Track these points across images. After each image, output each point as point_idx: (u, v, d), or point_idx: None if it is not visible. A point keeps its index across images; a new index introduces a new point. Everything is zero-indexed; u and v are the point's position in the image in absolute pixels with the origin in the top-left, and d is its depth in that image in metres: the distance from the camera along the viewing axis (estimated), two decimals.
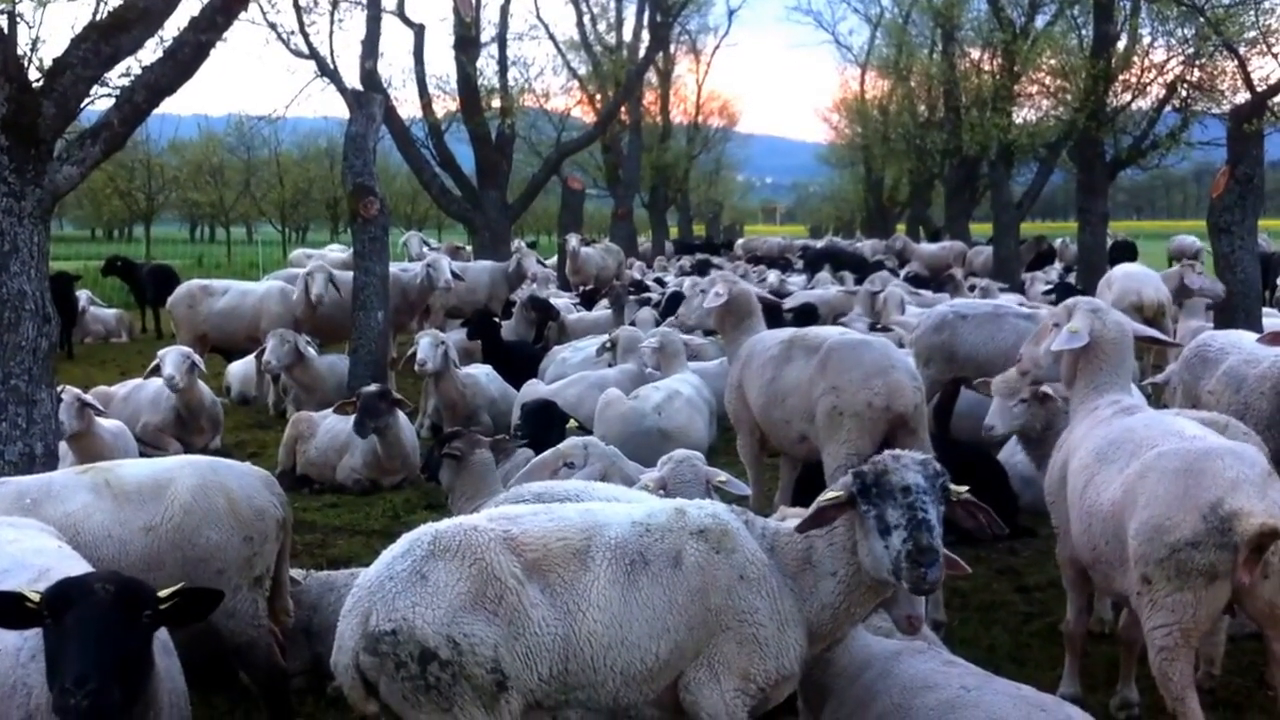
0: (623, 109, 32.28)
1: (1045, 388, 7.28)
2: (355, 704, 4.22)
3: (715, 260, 31.09)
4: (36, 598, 3.67)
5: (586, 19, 37.27)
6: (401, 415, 10.95)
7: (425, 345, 12.22)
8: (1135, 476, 5.03)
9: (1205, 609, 4.77)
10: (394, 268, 15.15)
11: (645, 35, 34.18)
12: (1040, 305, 13.50)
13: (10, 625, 3.72)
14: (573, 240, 25.24)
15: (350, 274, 14.25)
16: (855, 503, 4.29)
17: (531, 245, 31.94)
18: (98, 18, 7.30)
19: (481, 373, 13.16)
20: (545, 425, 8.57)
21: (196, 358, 11.69)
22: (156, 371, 11.32)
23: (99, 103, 7.77)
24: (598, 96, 35.00)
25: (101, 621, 3.61)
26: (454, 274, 16.13)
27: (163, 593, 3.83)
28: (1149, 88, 22.22)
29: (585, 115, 36.99)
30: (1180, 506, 4.74)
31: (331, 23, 23.08)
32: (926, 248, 33.20)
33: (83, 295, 23.43)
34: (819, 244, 40.25)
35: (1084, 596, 5.99)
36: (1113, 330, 5.92)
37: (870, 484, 4.24)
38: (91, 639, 3.57)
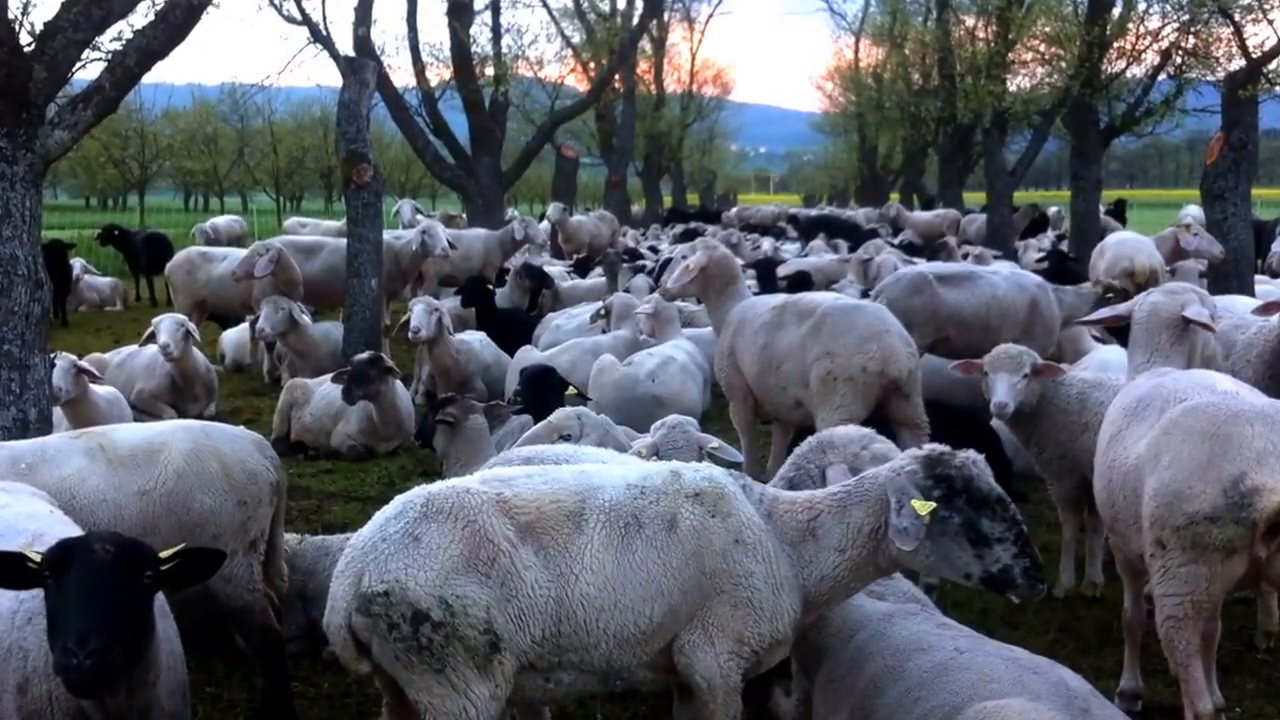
0: (616, 77, 32.12)
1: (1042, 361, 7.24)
2: (348, 664, 4.22)
3: (708, 228, 31.01)
4: (38, 558, 3.64)
5: None
6: (396, 382, 10.95)
7: (419, 312, 12.19)
8: (1160, 431, 4.86)
9: (1219, 582, 4.65)
10: (387, 235, 15.13)
11: (639, 3, 33.95)
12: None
13: (11, 585, 3.69)
14: (552, 210, 25.15)
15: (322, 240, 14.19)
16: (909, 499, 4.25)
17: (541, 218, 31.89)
18: None
19: (475, 339, 13.18)
20: (544, 391, 8.39)
21: (191, 325, 11.69)
22: (151, 339, 11.32)
23: (91, 68, 7.73)
24: (591, 64, 34.89)
25: (103, 581, 3.58)
26: (449, 242, 16.12)
27: (164, 553, 3.81)
28: (1144, 54, 22.08)
29: (579, 83, 36.90)
30: (1202, 476, 4.58)
31: None
32: (920, 216, 33.13)
33: (77, 263, 23.36)
34: (813, 212, 40.21)
35: (1140, 584, 5.64)
36: (1142, 310, 5.85)
37: (959, 489, 4.23)
38: (93, 598, 3.53)
